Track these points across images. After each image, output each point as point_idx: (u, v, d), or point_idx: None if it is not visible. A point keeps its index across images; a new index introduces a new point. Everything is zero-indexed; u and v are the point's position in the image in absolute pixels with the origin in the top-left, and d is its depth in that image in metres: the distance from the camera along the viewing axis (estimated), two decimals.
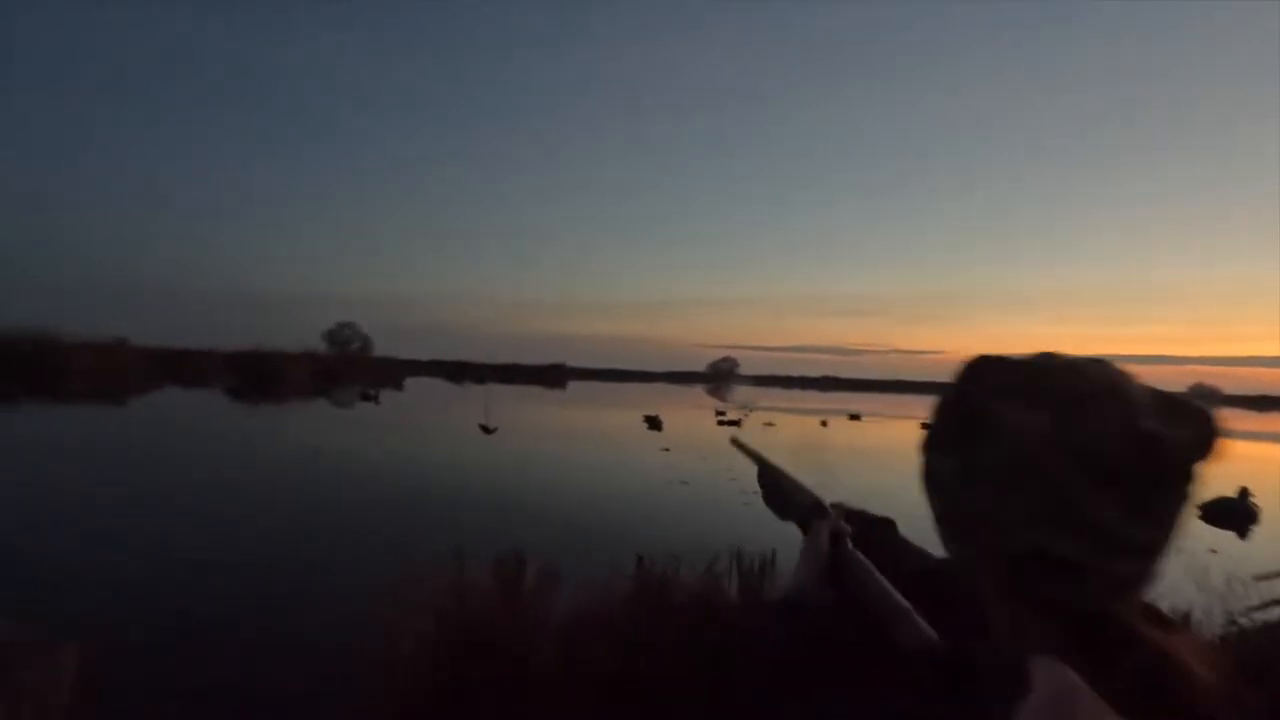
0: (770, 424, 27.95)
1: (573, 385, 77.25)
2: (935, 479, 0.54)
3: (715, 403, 48.51)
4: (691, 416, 32.55)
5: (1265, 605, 2.97)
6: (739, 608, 3.24)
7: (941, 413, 0.56)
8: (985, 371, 0.53)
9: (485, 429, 20.46)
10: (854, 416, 38.51)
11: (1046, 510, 0.47)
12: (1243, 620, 2.97)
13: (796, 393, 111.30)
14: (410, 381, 57.10)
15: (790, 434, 24.77)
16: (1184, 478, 0.48)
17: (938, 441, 0.55)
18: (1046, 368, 0.51)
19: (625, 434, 22.44)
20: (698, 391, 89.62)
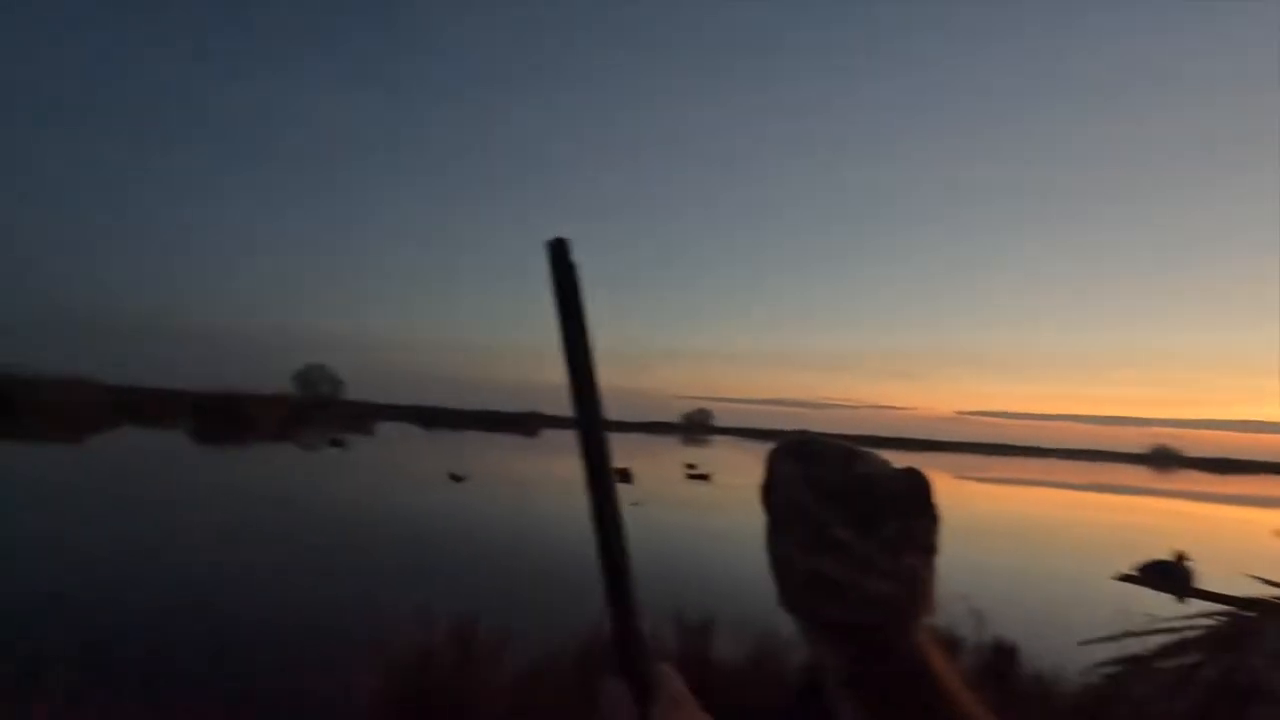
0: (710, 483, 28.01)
1: (546, 433, 76.53)
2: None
3: (687, 454, 48.15)
4: (663, 469, 32.50)
5: (1107, 663, 3.05)
6: (700, 674, 3.33)
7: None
8: (776, 447, 0.74)
9: (455, 477, 20.26)
10: None
11: (807, 537, 0.66)
12: (1091, 675, 3.12)
13: (770, 445, 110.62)
14: (383, 426, 56.24)
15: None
16: (900, 512, 0.68)
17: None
18: (810, 440, 0.72)
19: None
20: (671, 442, 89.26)
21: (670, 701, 0.47)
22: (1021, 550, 15.44)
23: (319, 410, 50.36)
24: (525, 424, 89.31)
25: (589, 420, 0.48)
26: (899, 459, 0.74)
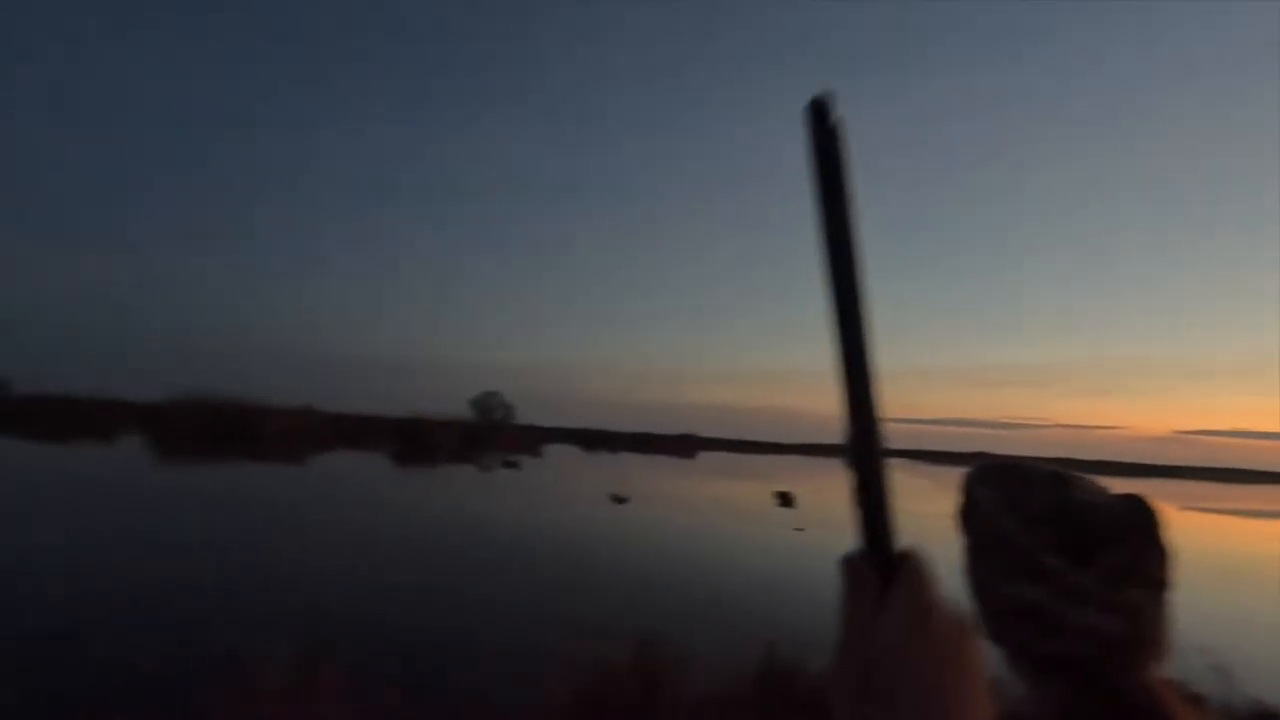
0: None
1: (702, 455, 76.59)
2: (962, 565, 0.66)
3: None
4: (829, 494, 31.19)
5: None
6: None
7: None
8: (974, 471, 0.66)
9: (617, 499, 20.84)
10: None
11: (1011, 564, 0.59)
12: None
13: (945, 469, 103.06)
14: (549, 448, 59.50)
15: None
16: (1121, 541, 0.58)
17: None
18: (1015, 464, 0.63)
19: (755, 510, 21.90)
20: (833, 465, 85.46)
21: (915, 578, 0.46)
22: (1276, 598, 12.89)
23: (493, 433, 54.30)
24: (681, 446, 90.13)
25: (845, 303, 0.44)
26: (1107, 486, 0.63)
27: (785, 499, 24.42)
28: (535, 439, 64.48)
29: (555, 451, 56.39)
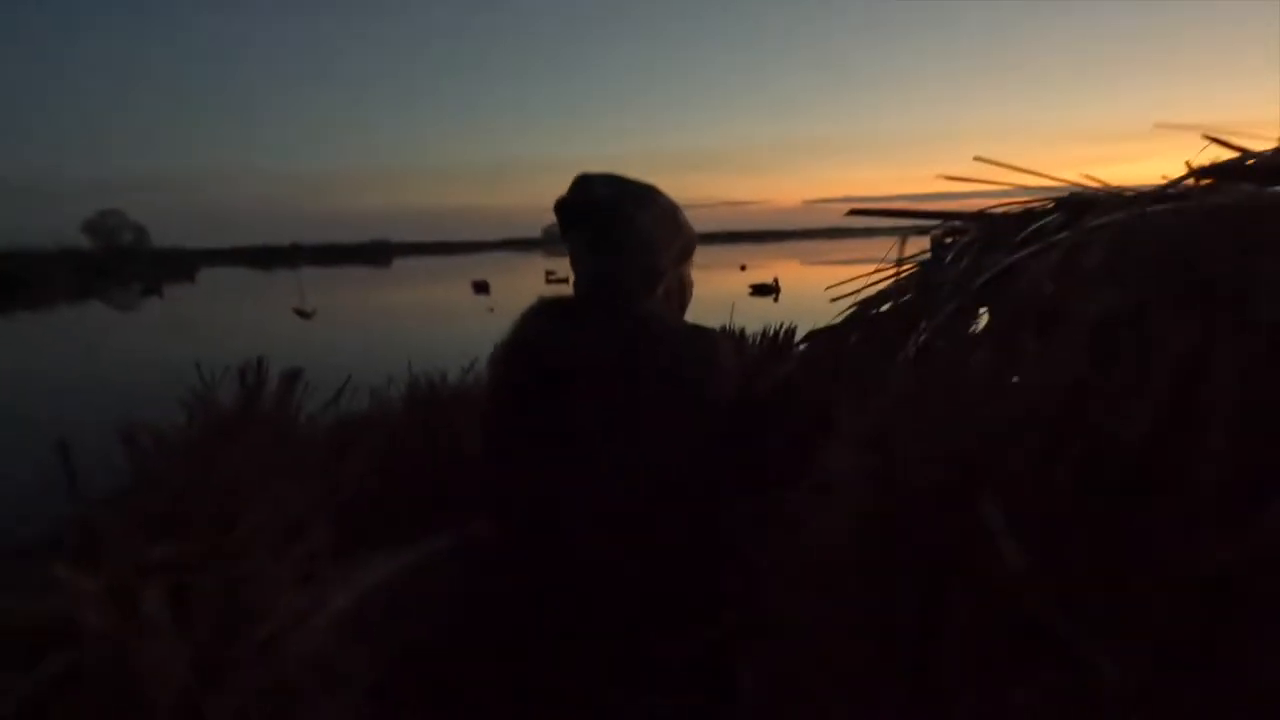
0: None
1: (399, 263, 72.80)
2: None
3: (549, 263, 46.96)
4: (523, 280, 32.47)
5: None
6: None
7: None
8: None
9: (302, 313, 19.21)
10: None
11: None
12: None
13: None
14: (206, 274, 50.92)
15: None
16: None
17: None
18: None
19: (451, 303, 22.11)
20: (535, 258, 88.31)
21: None
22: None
23: (123, 261, 44.40)
24: (375, 254, 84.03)
25: None
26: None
27: (480, 286, 24.92)
28: (185, 263, 54.32)
29: (218, 276, 48.49)
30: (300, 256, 76.61)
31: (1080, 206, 0.72)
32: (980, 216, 0.88)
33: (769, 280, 21.15)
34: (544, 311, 0.99)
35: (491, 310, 17.48)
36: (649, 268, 0.98)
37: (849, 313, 0.92)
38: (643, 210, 0.98)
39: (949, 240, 0.89)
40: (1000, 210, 0.85)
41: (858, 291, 0.93)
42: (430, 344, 13.11)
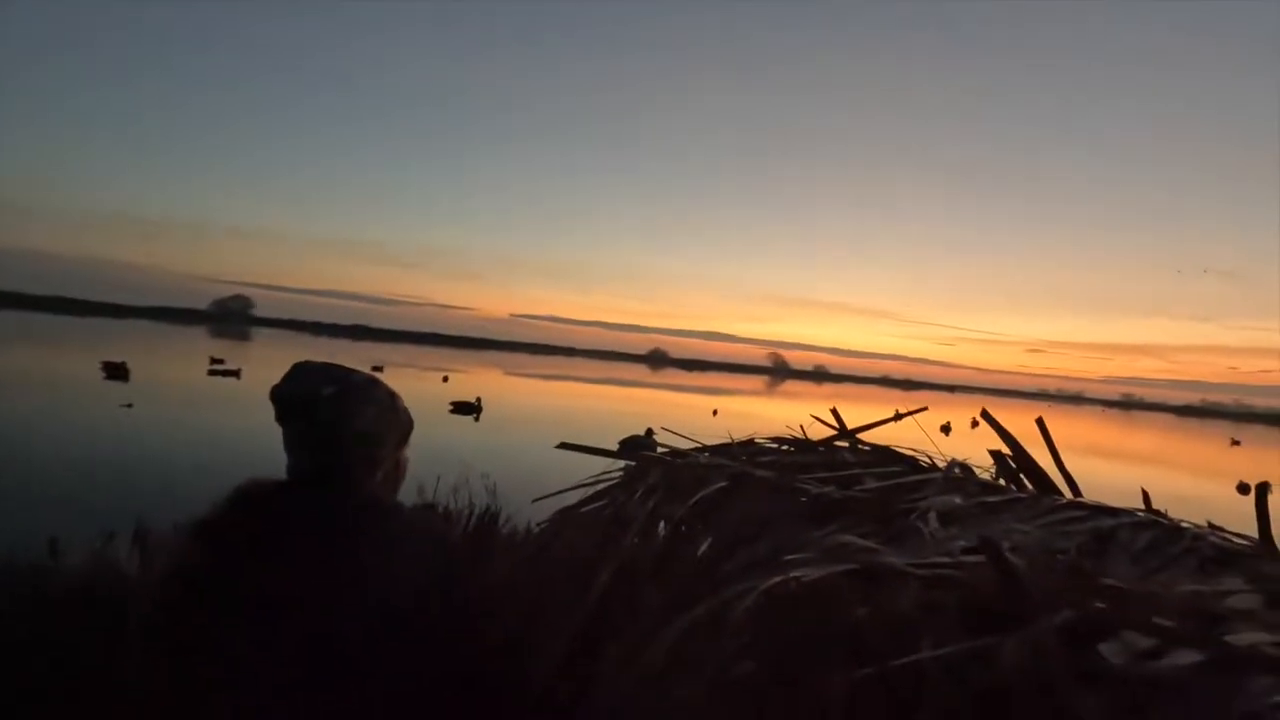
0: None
1: (6, 317, 56.27)
2: None
3: (216, 348, 39.41)
4: (179, 364, 27.49)
5: None
6: None
7: None
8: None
9: None
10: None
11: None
12: None
13: (324, 340, 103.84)
14: None
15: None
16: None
17: None
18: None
19: (75, 386, 17.67)
20: (199, 334, 75.81)
21: None
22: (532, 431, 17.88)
23: None
24: None
25: None
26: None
27: (115, 370, 20.30)
28: None
29: None
30: None
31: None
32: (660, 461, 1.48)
33: (471, 399, 21.00)
34: (252, 499, 0.96)
35: (129, 407, 14.25)
36: (370, 459, 1.02)
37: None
38: (366, 406, 1.01)
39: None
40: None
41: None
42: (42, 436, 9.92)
